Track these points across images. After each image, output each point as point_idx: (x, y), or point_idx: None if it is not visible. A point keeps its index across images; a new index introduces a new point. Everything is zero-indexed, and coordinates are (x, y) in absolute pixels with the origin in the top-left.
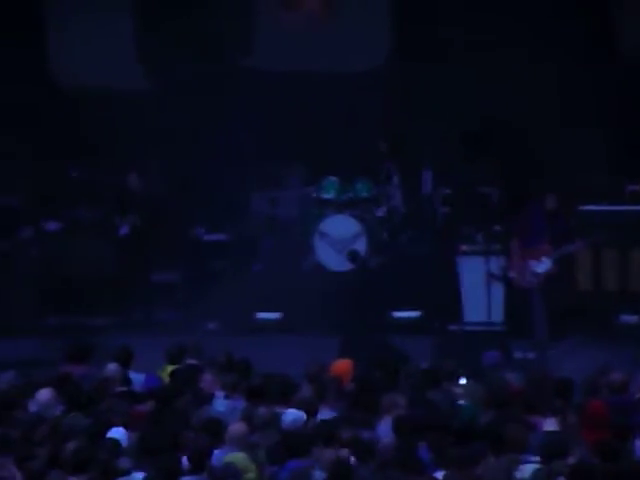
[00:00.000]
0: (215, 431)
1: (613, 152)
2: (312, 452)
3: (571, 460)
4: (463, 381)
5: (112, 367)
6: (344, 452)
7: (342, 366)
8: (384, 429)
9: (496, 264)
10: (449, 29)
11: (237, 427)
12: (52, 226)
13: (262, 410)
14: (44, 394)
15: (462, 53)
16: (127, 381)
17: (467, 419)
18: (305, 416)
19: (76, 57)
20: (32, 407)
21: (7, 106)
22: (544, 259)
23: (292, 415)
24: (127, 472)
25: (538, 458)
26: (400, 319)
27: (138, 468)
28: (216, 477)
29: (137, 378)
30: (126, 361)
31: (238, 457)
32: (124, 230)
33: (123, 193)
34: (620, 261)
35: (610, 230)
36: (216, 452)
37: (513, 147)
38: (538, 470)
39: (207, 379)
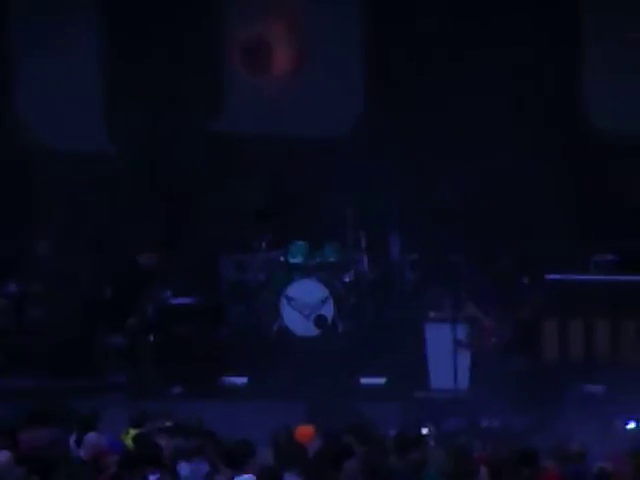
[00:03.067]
0: None
1: (580, 223)
2: None
3: None
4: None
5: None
6: None
7: (305, 432)
8: None
9: (463, 331)
10: (421, 95)
11: None
12: (12, 288)
13: (220, 477)
14: (1, 457)
15: (431, 119)
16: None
17: None
18: None
19: (42, 118)
20: None
21: None
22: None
23: None
24: None
25: None
26: (367, 385)
27: None
28: None
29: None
30: (92, 425)
31: None
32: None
33: None
34: (586, 330)
35: (576, 299)
36: None
37: (480, 214)
38: None
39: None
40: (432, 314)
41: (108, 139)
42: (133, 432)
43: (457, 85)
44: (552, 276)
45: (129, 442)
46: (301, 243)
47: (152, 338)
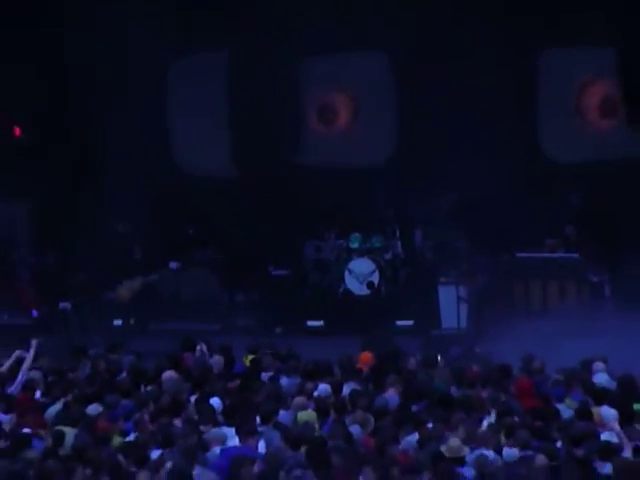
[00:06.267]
0: (277, 399)
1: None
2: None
3: (515, 418)
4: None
5: (216, 358)
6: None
7: (366, 356)
8: (389, 398)
9: (462, 291)
10: (432, 138)
11: (299, 399)
12: (174, 265)
13: (309, 385)
14: (169, 375)
15: (440, 154)
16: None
17: (443, 392)
18: (331, 389)
19: (184, 148)
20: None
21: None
22: None
23: (322, 388)
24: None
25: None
26: (400, 326)
27: (228, 424)
28: (294, 431)
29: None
30: (227, 354)
31: (309, 415)
32: (174, 266)
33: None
34: (542, 289)
35: (535, 268)
36: (281, 413)
37: (476, 215)
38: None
39: (271, 365)
40: (443, 279)
41: (232, 167)
42: (250, 357)
43: (458, 131)
44: (523, 253)
45: (247, 363)
46: (357, 234)
47: (262, 296)
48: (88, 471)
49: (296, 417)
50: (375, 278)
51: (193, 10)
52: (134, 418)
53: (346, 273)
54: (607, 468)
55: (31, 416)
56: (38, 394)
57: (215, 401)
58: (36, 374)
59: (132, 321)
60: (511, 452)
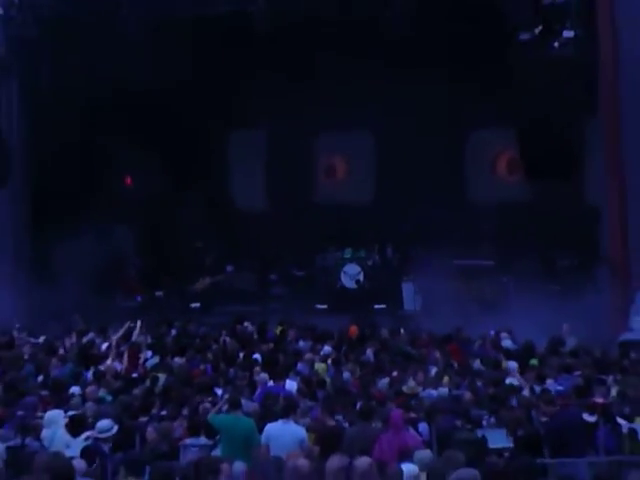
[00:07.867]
0: (297, 355)
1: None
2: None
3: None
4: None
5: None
6: (354, 366)
7: (353, 329)
8: (369, 355)
9: (417, 286)
10: (401, 193)
11: (309, 355)
12: (230, 268)
13: (318, 346)
14: (227, 339)
15: (403, 197)
16: (262, 335)
17: (404, 351)
18: (332, 349)
19: (237, 191)
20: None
21: (198, 218)
22: None
23: (326, 349)
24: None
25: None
26: (377, 309)
27: (265, 371)
28: (306, 377)
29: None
30: (263, 326)
31: (322, 366)
32: (230, 269)
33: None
34: (469, 285)
35: (468, 271)
36: (299, 365)
37: (425, 237)
38: (437, 372)
39: (293, 334)
40: (404, 278)
41: (268, 204)
42: (279, 328)
43: (416, 182)
44: (457, 261)
45: (277, 332)
46: (349, 249)
47: (286, 289)
48: (173, 405)
49: (312, 367)
50: (361, 277)
51: (238, 97)
52: (202, 368)
53: (342, 274)
54: (513, 401)
55: (137, 366)
56: (142, 351)
57: (257, 356)
58: (141, 338)
59: (204, 305)
60: (447, 390)
